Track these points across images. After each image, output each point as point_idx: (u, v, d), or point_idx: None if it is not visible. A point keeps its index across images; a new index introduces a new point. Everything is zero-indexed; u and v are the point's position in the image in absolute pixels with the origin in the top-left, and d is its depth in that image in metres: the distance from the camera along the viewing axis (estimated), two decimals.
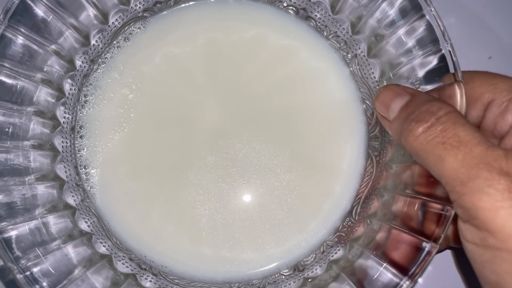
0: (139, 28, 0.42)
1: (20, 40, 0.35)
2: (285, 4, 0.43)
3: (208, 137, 0.40)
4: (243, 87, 0.41)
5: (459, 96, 0.33)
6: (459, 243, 0.29)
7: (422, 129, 0.29)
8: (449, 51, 0.34)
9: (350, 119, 0.42)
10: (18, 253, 0.32)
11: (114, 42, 0.42)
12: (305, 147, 0.41)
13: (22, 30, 0.35)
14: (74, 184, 0.39)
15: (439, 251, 0.33)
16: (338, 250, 0.39)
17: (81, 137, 0.41)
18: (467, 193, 0.26)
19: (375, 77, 0.40)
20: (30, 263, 0.33)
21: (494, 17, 0.46)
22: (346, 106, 0.42)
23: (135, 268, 0.39)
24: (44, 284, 0.32)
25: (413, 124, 0.29)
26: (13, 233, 0.33)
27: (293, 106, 0.41)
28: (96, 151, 0.41)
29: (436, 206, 0.33)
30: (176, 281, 0.39)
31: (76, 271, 0.34)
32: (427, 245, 0.33)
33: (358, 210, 0.40)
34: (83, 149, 0.40)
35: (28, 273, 0.32)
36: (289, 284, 0.39)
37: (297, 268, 0.40)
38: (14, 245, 0.33)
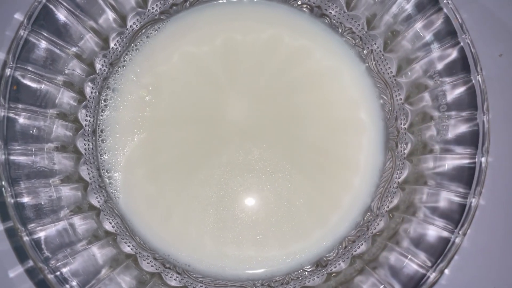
0: (156, 30, 0.43)
1: (43, 44, 0.35)
2: (299, 3, 0.43)
3: (228, 135, 0.41)
4: (262, 87, 0.42)
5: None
6: None
7: None
8: (468, 43, 0.34)
9: (367, 114, 0.42)
10: (47, 253, 0.33)
11: (132, 45, 0.42)
12: (323, 143, 0.41)
13: (45, 34, 0.35)
14: (97, 186, 0.40)
15: None
16: (361, 244, 0.39)
17: (102, 141, 0.41)
18: None
19: (392, 71, 0.41)
20: (59, 263, 0.33)
21: (506, 13, 0.46)
22: (363, 101, 0.42)
23: (159, 267, 0.39)
24: (74, 283, 0.33)
25: None
26: (41, 234, 0.33)
27: (311, 103, 0.42)
28: (117, 154, 0.41)
29: (461, 197, 0.34)
30: (200, 279, 0.40)
31: (104, 271, 0.35)
32: (453, 236, 0.33)
33: (379, 205, 0.40)
34: (105, 153, 0.41)
35: (58, 273, 0.33)
36: (313, 280, 0.39)
37: (320, 263, 0.40)
38: (43, 246, 0.33)
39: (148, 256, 0.39)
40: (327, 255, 0.40)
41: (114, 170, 0.41)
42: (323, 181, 0.41)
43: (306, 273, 0.40)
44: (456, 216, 0.34)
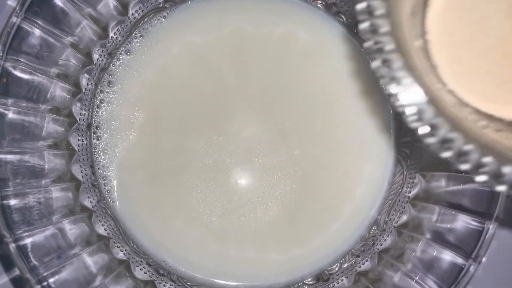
0: (159, 19, 0.40)
1: (37, 32, 0.33)
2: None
3: (232, 137, 0.38)
4: (273, 88, 0.39)
5: None
6: None
7: None
8: None
9: (376, 124, 0.40)
10: (34, 262, 0.31)
11: (134, 34, 0.39)
12: (327, 151, 0.39)
13: (39, 22, 0.33)
14: (90, 185, 0.37)
15: None
16: (366, 261, 0.37)
17: (97, 138, 0.38)
18: None
19: None
20: (47, 273, 0.31)
21: None
22: (374, 109, 0.40)
23: (153, 274, 0.37)
24: None
25: None
26: (29, 241, 0.31)
27: (317, 108, 0.39)
28: (113, 152, 0.39)
29: (477, 221, 0.32)
30: (195, 287, 0.38)
31: (96, 281, 0.33)
32: (467, 264, 0.31)
33: (386, 219, 0.39)
34: (100, 151, 0.38)
35: (45, 283, 0.31)
36: None
37: (321, 277, 0.38)
38: (30, 254, 0.31)
39: (141, 261, 0.37)
40: (329, 268, 0.39)
41: (109, 168, 0.38)
42: (328, 192, 0.39)
43: (307, 286, 0.38)
44: (471, 242, 0.32)
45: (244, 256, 0.38)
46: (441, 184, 0.35)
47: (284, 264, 0.39)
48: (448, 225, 0.34)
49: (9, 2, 0.38)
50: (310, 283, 0.38)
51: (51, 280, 0.31)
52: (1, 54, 0.31)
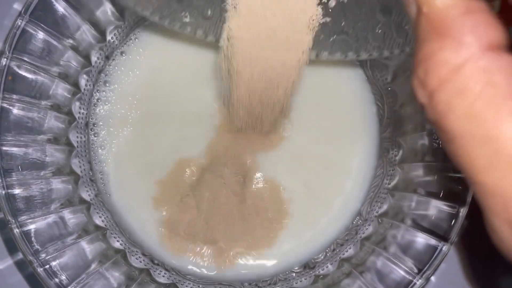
0: (154, 24, 0.42)
1: (40, 35, 0.35)
2: None
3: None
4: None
5: None
6: None
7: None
8: None
9: (362, 120, 0.42)
10: (37, 246, 0.33)
11: (130, 38, 0.42)
12: (316, 146, 0.42)
13: (43, 25, 0.35)
14: (88, 179, 0.40)
15: None
16: (349, 248, 0.40)
17: (95, 134, 0.41)
18: None
19: (387, 79, 0.41)
20: (49, 257, 0.33)
21: None
22: (358, 107, 0.42)
23: (148, 263, 0.39)
24: (63, 277, 0.33)
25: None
26: (32, 227, 0.33)
27: (306, 105, 0.42)
28: (110, 148, 0.41)
29: (449, 206, 0.34)
30: (189, 276, 0.40)
31: (93, 266, 0.35)
32: (440, 244, 0.33)
33: (368, 210, 0.41)
34: (98, 147, 0.41)
35: (47, 266, 0.33)
36: (301, 281, 0.39)
37: (308, 265, 0.40)
38: (33, 239, 0.33)
39: (137, 251, 0.39)
40: (315, 257, 0.41)
41: (106, 164, 0.41)
42: (315, 184, 0.41)
43: (294, 274, 0.40)
44: (444, 225, 0.34)
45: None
46: (418, 173, 0.38)
47: (273, 256, 0.41)
48: (423, 211, 0.36)
49: (15, 6, 0.40)
50: (297, 271, 0.40)
51: (53, 263, 0.33)
52: (7, 54, 0.33)
